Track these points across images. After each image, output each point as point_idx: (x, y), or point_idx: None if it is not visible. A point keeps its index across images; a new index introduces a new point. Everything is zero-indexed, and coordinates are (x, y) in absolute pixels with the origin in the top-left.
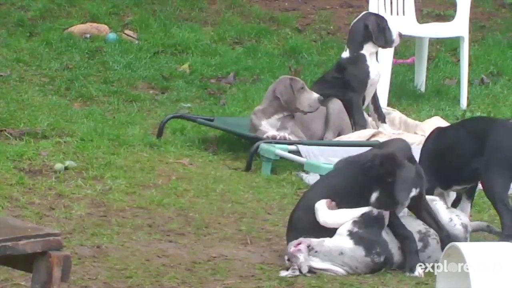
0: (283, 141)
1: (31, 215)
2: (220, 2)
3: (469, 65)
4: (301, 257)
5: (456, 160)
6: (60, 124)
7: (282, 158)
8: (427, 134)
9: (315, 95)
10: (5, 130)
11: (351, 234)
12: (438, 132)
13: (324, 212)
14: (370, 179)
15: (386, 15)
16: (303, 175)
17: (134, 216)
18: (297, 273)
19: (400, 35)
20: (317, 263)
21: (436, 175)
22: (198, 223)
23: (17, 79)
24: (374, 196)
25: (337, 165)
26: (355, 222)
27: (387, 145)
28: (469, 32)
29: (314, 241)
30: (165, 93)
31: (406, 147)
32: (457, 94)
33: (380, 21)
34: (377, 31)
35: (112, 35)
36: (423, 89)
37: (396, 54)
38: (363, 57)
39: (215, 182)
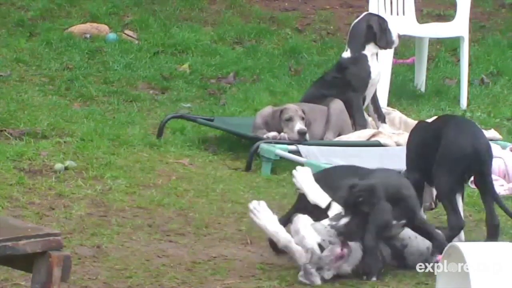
0: (283, 141)
1: (31, 215)
2: (220, 2)
3: (469, 65)
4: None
5: (426, 157)
6: (60, 124)
7: (282, 158)
8: None
9: (296, 128)
10: (5, 130)
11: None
12: (417, 128)
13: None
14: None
15: (386, 15)
16: None
17: (134, 216)
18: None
19: (399, 36)
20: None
21: (420, 170)
22: (198, 223)
23: (17, 79)
24: (343, 221)
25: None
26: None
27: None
28: (469, 32)
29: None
30: (165, 93)
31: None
32: (457, 94)
33: (382, 22)
34: (380, 32)
35: (112, 35)
36: (423, 89)
37: (396, 54)
38: (365, 57)
39: (215, 182)
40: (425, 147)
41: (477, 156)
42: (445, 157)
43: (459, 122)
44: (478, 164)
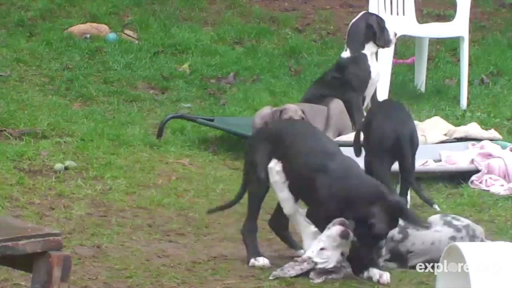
0: None
1: (31, 215)
2: (220, 2)
3: (469, 65)
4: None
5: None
6: (60, 124)
7: None
8: (427, 134)
9: None
10: (5, 130)
11: None
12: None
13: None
14: None
15: (386, 15)
16: None
17: (134, 216)
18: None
19: (396, 34)
20: None
21: None
22: (198, 223)
23: (17, 79)
24: None
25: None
26: None
27: None
28: (469, 32)
29: None
30: (165, 93)
31: None
32: (457, 94)
33: (380, 21)
34: (379, 30)
35: (112, 35)
36: (423, 89)
37: (396, 54)
38: (364, 56)
39: (215, 182)
40: (365, 133)
41: (398, 142)
42: (372, 143)
43: (387, 108)
44: (400, 150)
